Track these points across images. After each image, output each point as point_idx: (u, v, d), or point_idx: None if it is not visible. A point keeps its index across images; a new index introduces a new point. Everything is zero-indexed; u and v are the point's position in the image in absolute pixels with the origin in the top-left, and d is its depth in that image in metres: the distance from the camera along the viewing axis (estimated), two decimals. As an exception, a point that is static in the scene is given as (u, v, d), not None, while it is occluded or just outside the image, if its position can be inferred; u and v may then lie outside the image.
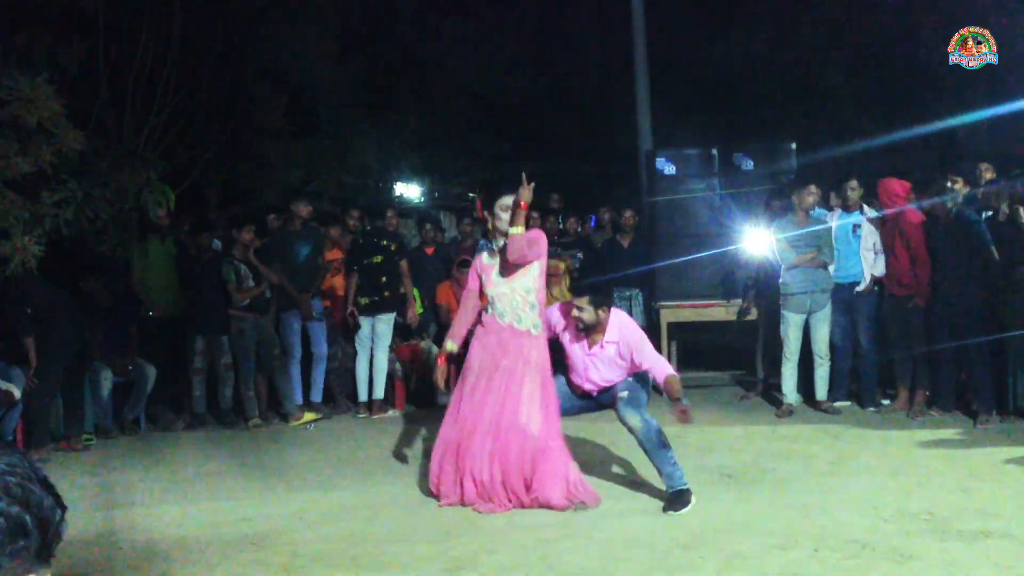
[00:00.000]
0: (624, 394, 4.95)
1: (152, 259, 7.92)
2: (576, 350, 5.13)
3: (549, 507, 4.74)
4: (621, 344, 5.00)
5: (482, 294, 5.16)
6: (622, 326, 5.07)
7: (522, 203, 4.87)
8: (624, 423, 4.92)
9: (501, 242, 5.05)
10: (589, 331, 5.02)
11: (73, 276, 7.38)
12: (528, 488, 4.80)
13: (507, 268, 5.02)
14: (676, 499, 4.73)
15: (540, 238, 5.04)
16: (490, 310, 5.09)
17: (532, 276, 5.02)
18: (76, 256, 7.42)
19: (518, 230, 4.85)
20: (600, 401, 5.25)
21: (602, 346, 5.03)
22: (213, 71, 9.63)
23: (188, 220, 8.55)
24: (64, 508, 1.15)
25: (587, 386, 5.18)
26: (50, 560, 1.12)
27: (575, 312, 5.01)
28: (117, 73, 8.40)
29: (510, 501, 4.81)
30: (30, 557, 1.08)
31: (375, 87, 13.99)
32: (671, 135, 11.75)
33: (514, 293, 5.02)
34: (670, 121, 12.37)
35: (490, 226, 5.14)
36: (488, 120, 15.57)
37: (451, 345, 5.29)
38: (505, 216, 4.98)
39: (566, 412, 5.22)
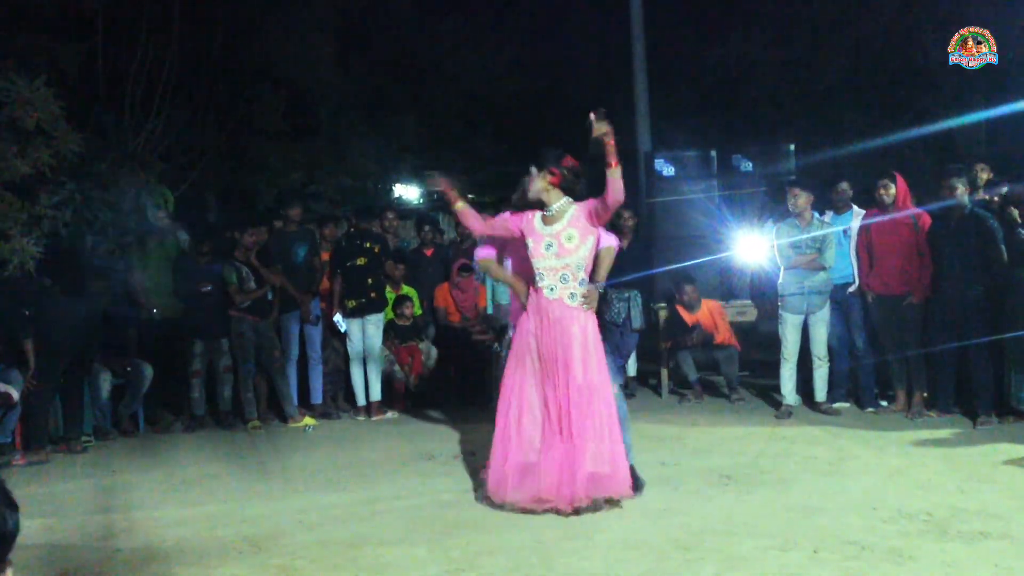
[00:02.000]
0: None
1: (151, 261, 7.92)
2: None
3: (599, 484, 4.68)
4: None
5: (525, 257, 4.95)
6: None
7: (607, 140, 4.55)
8: None
9: (554, 208, 4.87)
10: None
11: (74, 277, 7.38)
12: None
13: (560, 244, 4.84)
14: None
15: (597, 203, 4.80)
16: (539, 282, 4.90)
17: (587, 250, 4.85)
18: (77, 257, 7.43)
19: (615, 173, 4.56)
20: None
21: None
22: (212, 73, 9.64)
23: (187, 223, 8.56)
24: (13, 505, 1.14)
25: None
26: (5, 567, 1.11)
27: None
28: (116, 75, 8.42)
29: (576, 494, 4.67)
30: None
31: (374, 89, 13.99)
32: (670, 136, 11.74)
33: (567, 267, 4.85)
34: (669, 123, 12.35)
35: (542, 184, 4.87)
36: (487, 121, 15.56)
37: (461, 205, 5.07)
38: (541, 182, 4.81)
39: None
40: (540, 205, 4.95)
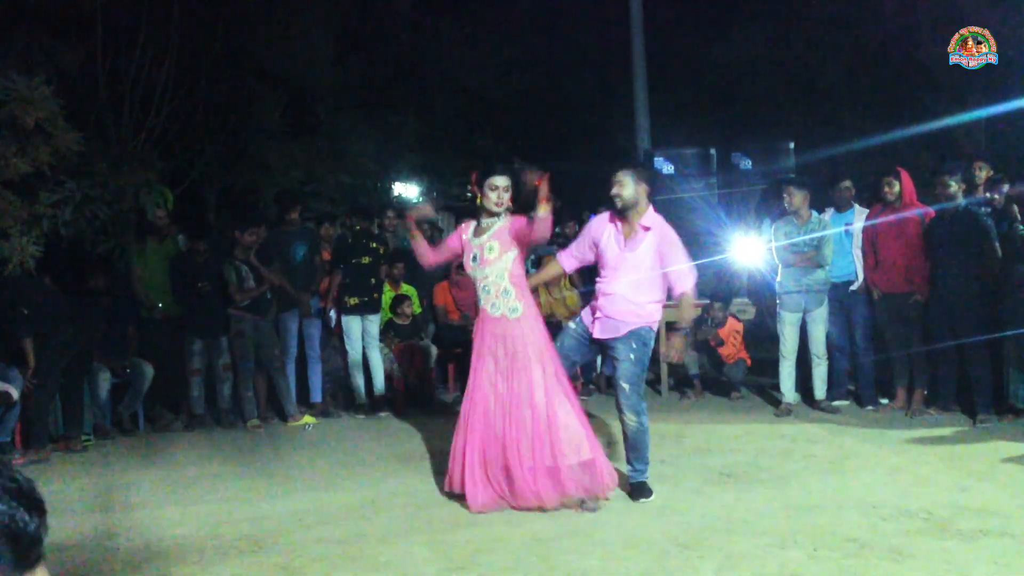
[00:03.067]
0: (626, 386, 4.93)
1: (150, 260, 7.91)
2: (612, 248, 5.01)
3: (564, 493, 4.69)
4: (658, 235, 4.93)
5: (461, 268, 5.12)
6: (661, 222, 5.00)
7: (538, 181, 4.68)
8: (621, 416, 4.98)
9: (486, 221, 4.96)
10: (627, 210, 4.94)
11: (74, 276, 7.38)
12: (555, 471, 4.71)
13: (482, 256, 4.92)
14: (641, 488, 4.94)
15: (525, 225, 4.88)
16: (479, 293, 5.00)
17: (508, 262, 4.89)
18: (77, 256, 7.43)
19: (545, 211, 4.67)
20: (603, 349, 5.22)
21: (639, 233, 4.93)
22: (211, 72, 9.63)
23: (186, 224, 8.55)
24: (40, 509, 1.13)
25: (603, 308, 5.00)
26: (35, 567, 1.11)
27: (614, 190, 4.93)
28: (115, 74, 8.41)
29: (535, 492, 4.71)
30: (7, 570, 1.07)
31: (373, 87, 13.99)
32: (669, 134, 11.75)
33: (487, 279, 4.92)
34: (668, 120, 12.37)
35: (479, 202, 5.00)
36: (487, 120, 15.56)
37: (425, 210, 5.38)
38: (493, 195, 4.88)
39: (575, 363, 5.26)
40: (486, 212, 5.01)
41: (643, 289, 4.96)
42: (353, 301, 7.89)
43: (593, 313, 5.09)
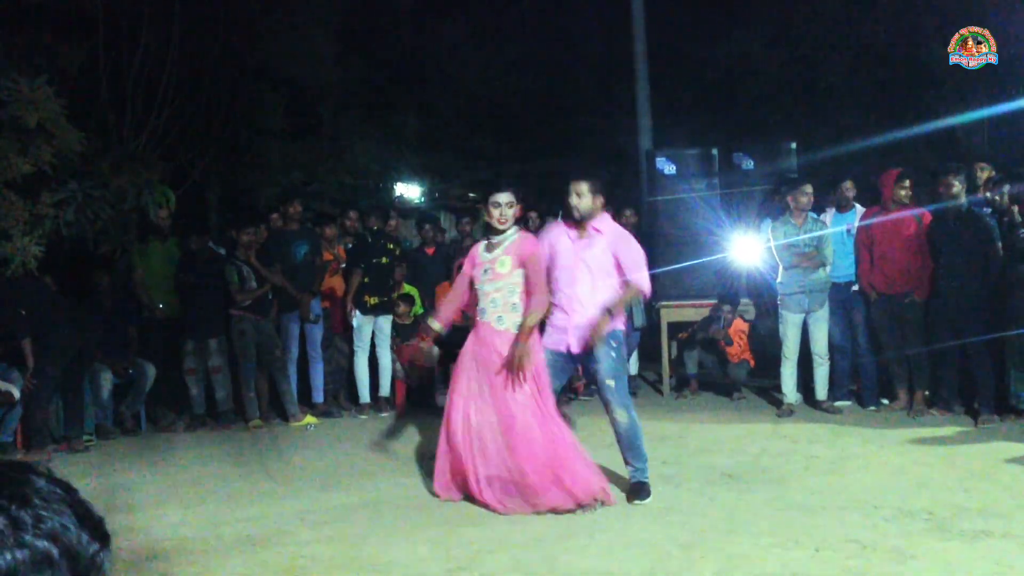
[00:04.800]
0: (611, 383, 4.96)
1: (152, 260, 7.92)
2: (566, 250, 5.06)
3: (555, 511, 4.71)
4: (611, 236, 5.02)
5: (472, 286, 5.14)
6: (614, 227, 5.15)
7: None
8: (611, 415, 5.00)
9: (497, 237, 5.01)
10: (584, 221, 5.03)
11: (76, 275, 7.39)
12: (538, 489, 4.74)
13: (493, 270, 4.97)
14: (640, 489, 4.93)
15: (534, 247, 4.98)
16: (479, 305, 5.05)
17: (519, 275, 4.94)
18: (79, 256, 7.43)
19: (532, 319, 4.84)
20: (582, 364, 5.29)
21: (592, 235, 5.01)
22: (213, 72, 9.63)
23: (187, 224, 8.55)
24: (105, 539, 1.14)
25: (570, 319, 5.03)
26: None
27: (572, 200, 4.99)
28: (117, 74, 8.41)
29: (518, 501, 4.77)
30: None
31: (375, 88, 13.99)
32: (671, 135, 11.73)
33: (496, 292, 4.96)
34: (670, 121, 12.35)
35: (484, 219, 5.12)
36: (488, 120, 15.56)
37: (436, 325, 5.26)
38: (496, 212, 4.96)
39: (560, 386, 5.27)
40: (494, 230, 5.06)
41: (601, 291, 4.99)
42: (373, 301, 7.97)
43: (563, 333, 5.09)
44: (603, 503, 4.77)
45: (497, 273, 4.95)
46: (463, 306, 5.31)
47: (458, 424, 4.94)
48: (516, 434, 4.78)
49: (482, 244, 5.16)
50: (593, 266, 5.02)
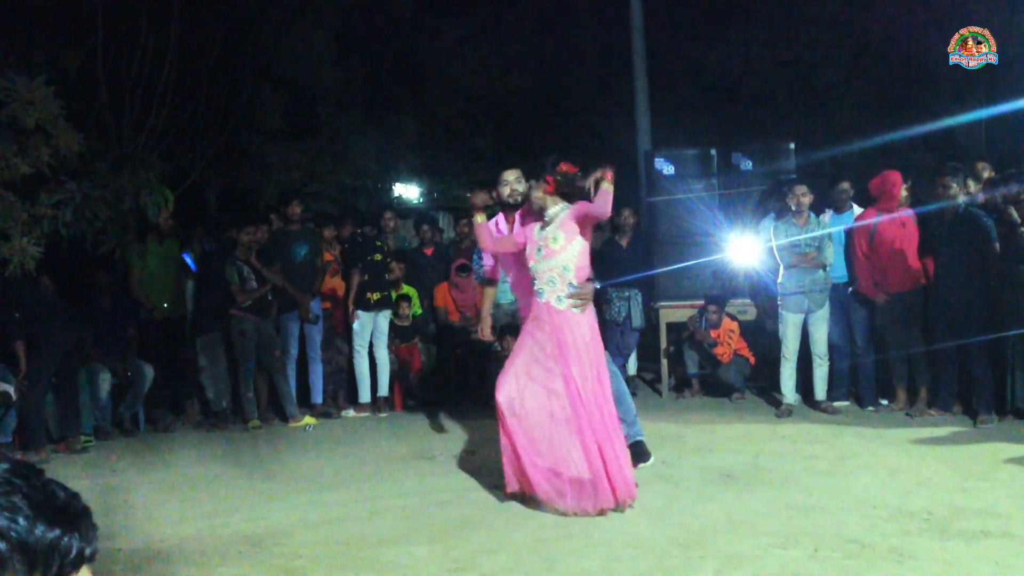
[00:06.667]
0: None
1: (151, 261, 7.91)
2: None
3: (602, 512, 4.59)
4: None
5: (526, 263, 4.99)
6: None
7: (607, 174, 4.65)
8: None
9: (549, 213, 4.87)
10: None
11: (75, 277, 7.38)
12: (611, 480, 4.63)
13: (547, 247, 4.85)
14: (640, 452, 4.99)
15: (581, 205, 4.81)
16: (534, 286, 4.90)
17: (573, 253, 4.82)
18: (78, 256, 7.43)
19: (609, 186, 4.64)
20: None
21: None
22: (212, 72, 9.62)
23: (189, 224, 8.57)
24: (73, 521, 1.10)
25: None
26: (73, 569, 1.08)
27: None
28: (116, 74, 8.40)
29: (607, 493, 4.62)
30: None
31: (374, 88, 13.99)
32: (670, 135, 11.73)
33: (551, 271, 4.83)
34: (669, 121, 12.35)
35: (539, 193, 4.90)
36: (487, 120, 15.56)
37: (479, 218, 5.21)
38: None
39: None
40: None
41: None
42: (376, 296, 8.00)
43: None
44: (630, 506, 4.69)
45: (551, 250, 4.82)
46: (491, 240, 5.25)
47: (519, 411, 4.73)
48: (581, 427, 4.64)
49: (536, 224, 4.99)
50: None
